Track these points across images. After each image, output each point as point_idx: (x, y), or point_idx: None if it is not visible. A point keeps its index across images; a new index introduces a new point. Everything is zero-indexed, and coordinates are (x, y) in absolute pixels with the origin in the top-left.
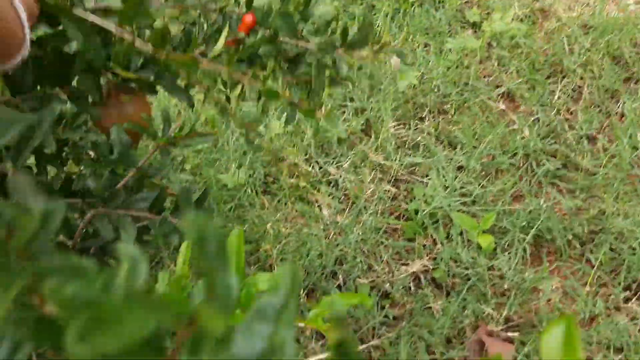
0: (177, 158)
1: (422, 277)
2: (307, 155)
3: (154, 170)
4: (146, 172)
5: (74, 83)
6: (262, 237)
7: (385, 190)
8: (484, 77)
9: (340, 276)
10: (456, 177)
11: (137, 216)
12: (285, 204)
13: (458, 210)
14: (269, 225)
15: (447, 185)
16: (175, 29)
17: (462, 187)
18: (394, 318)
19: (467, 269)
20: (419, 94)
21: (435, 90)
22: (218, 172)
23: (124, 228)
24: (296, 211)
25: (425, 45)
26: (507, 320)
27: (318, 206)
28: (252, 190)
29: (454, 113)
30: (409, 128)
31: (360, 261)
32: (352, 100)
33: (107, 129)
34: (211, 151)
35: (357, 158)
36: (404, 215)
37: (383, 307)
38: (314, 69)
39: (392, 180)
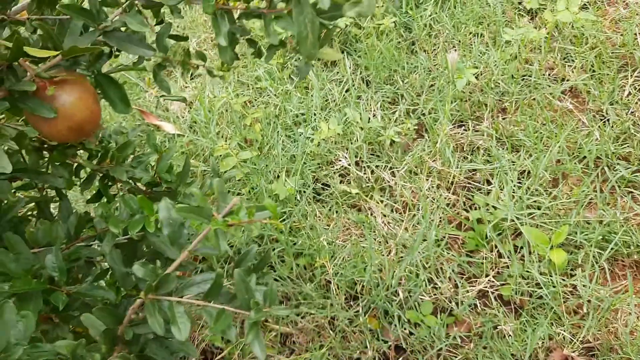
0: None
1: (488, 294)
2: (358, 158)
3: (208, 250)
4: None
5: None
6: (316, 251)
7: (444, 197)
8: (546, 70)
9: (400, 293)
10: (521, 185)
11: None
12: (337, 212)
13: (525, 223)
14: (322, 238)
15: (511, 193)
16: None
17: (529, 197)
18: (461, 339)
19: (538, 286)
20: (476, 90)
21: (494, 86)
22: (267, 182)
23: (175, 321)
24: (349, 219)
25: (479, 35)
26: (583, 342)
27: (372, 215)
28: (303, 198)
29: (515, 112)
30: (467, 129)
31: (425, 279)
32: (402, 97)
33: (52, 134)
34: (258, 157)
35: (413, 164)
36: (464, 225)
37: (447, 325)
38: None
39: (450, 186)
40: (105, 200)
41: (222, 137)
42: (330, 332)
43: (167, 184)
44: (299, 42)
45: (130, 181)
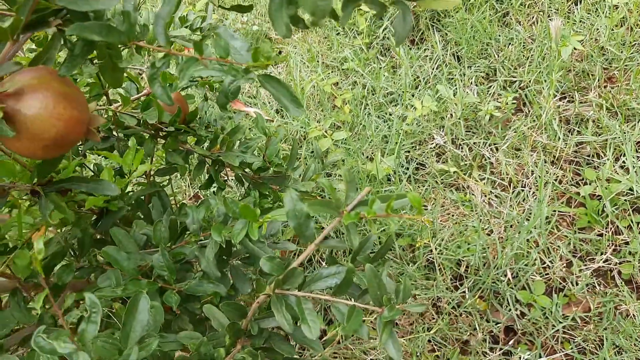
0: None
1: (606, 273)
2: (453, 136)
3: (336, 243)
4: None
5: None
6: (417, 231)
7: (552, 173)
8: None
9: (509, 273)
10: (639, 157)
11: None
12: (434, 191)
13: None
14: (423, 218)
15: (627, 165)
16: None
17: None
18: (581, 320)
19: None
20: (580, 59)
21: (601, 54)
22: (362, 163)
23: (305, 319)
24: (447, 199)
25: (579, 1)
26: None
27: (472, 194)
28: (401, 179)
29: (626, 80)
30: (572, 100)
31: (537, 259)
32: (497, 71)
33: (30, 155)
34: (350, 138)
35: (515, 138)
36: (574, 200)
37: (561, 306)
38: None
39: (556, 161)
40: (216, 187)
41: (312, 119)
42: (434, 313)
43: (275, 168)
44: None
45: (242, 167)
